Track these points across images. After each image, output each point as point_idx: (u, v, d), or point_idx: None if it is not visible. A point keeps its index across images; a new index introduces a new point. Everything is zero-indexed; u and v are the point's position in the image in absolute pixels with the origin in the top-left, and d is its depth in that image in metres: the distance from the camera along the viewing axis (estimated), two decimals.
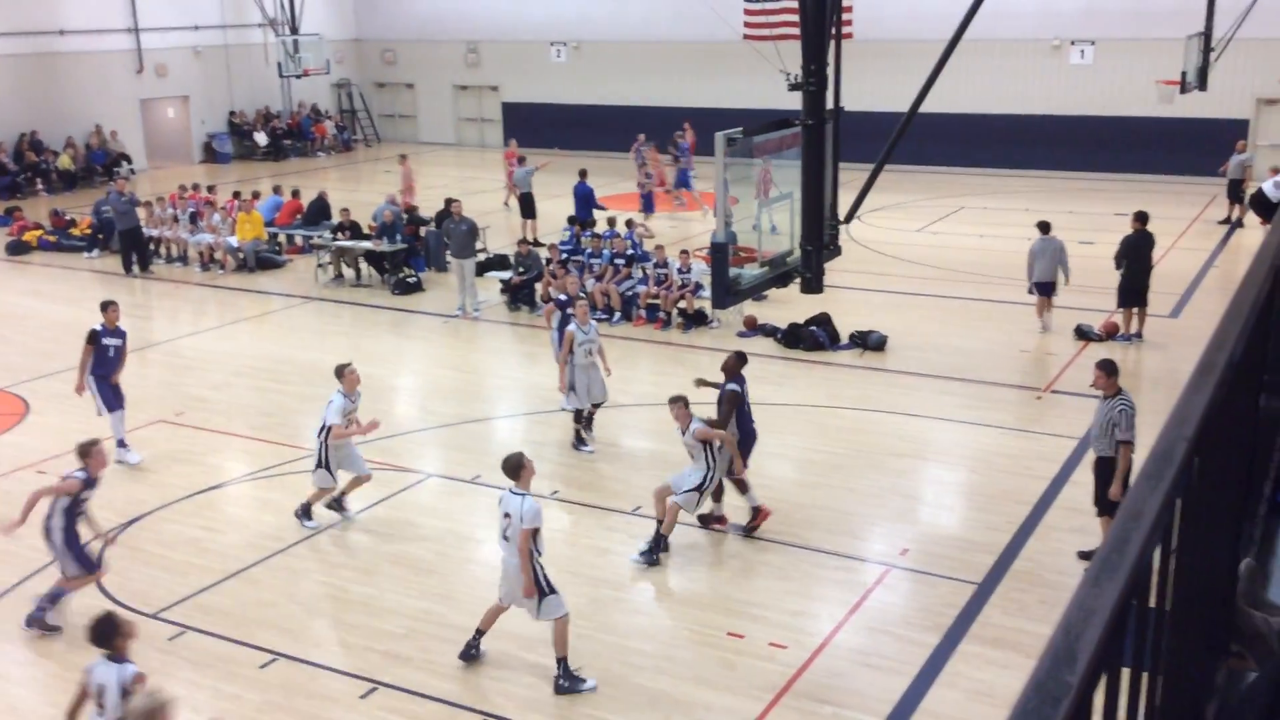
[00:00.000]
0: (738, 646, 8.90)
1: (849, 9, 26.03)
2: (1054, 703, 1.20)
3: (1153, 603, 1.90)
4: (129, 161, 33.55)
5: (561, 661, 8.33)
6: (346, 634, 9.34)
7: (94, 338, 12.69)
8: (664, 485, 10.47)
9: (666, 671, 8.53)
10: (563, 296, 14.10)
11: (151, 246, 22.82)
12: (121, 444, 12.86)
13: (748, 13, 27.59)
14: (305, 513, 11.12)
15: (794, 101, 9.97)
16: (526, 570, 8.16)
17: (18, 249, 24.14)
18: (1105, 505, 9.62)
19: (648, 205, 24.96)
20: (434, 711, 8.23)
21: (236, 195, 23.74)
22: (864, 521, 11.10)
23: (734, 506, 10.87)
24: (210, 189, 24.86)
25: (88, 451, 9.24)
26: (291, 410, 14.67)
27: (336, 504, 11.30)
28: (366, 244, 21.00)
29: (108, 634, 6.83)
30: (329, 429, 10.77)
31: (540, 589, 8.24)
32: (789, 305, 17.01)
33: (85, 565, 9.44)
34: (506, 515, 8.32)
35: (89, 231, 24.21)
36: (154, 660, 8.91)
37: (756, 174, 11.35)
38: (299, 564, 10.53)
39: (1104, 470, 9.62)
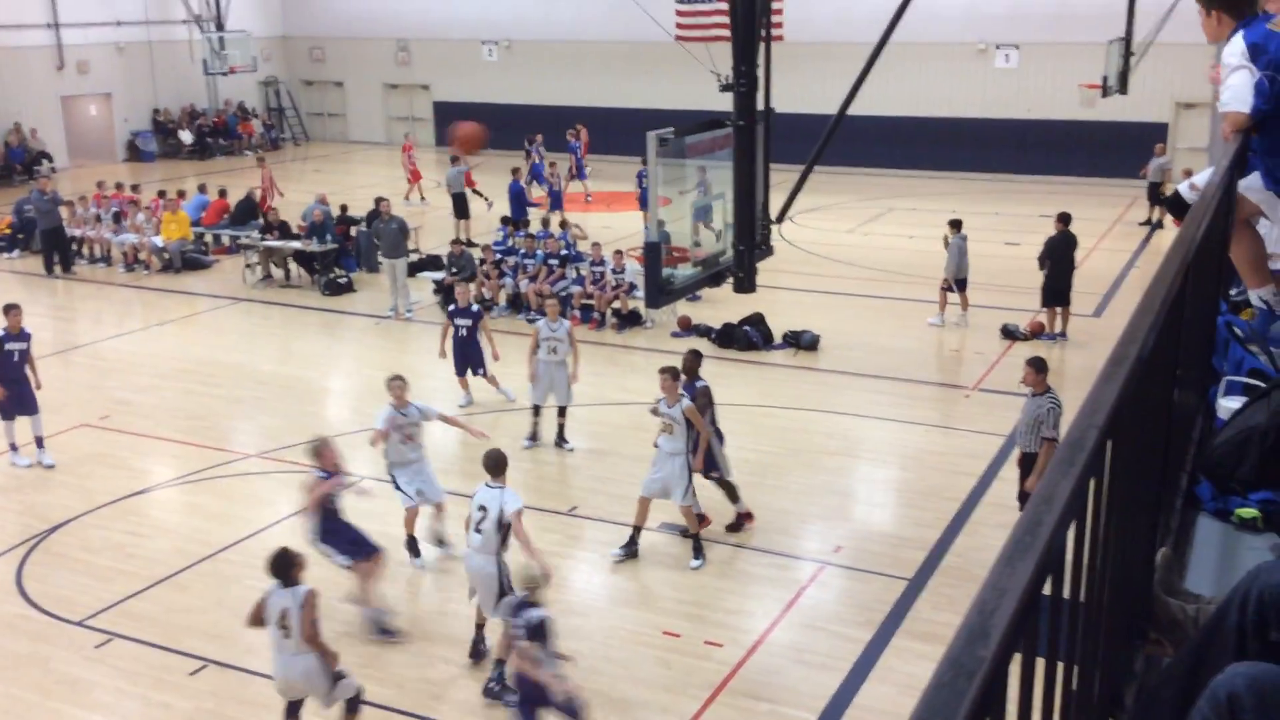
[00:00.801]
0: (674, 645, 8.95)
1: (779, 10, 26.32)
2: (968, 676, 1.25)
3: (1072, 591, 1.97)
4: (50, 160, 32.77)
5: (499, 663, 8.30)
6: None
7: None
8: (647, 493, 10.30)
9: (603, 672, 8.55)
10: (467, 305, 14.17)
11: (74, 247, 22.36)
12: (39, 443, 12.63)
13: (679, 14, 27.75)
14: (412, 546, 10.36)
15: (726, 102, 10.04)
16: (532, 551, 8.17)
17: None
18: (1028, 499, 9.81)
19: (556, 203, 24.84)
20: (371, 715, 8.16)
21: (161, 194, 23.35)
22: (798, 520, 11.21)
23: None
24: (134, 188, 24.36)
25: (320, 452, 9.12)
26: (220, 414, 14.46)
27: (438, 540, 10.53)
28: (296, 244, 20.74)
29: (286, 566, 7.37)
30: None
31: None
32: (722, 305, 17.13)
33: (363, 550, 9.20)
34: (482, 509, 8.35)
35: (9, 231, 23.62)
36: (80, 669, 8.76)
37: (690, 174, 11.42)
38: (228, 569, 10.37)
39: (1029, 465, 9.84)
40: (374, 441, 10.21)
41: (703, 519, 10.54)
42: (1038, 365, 9.92)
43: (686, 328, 17.03)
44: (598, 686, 8.35)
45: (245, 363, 16.57)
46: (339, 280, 20.21)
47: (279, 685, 7.59)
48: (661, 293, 10.85)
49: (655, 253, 10.69)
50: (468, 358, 14.08)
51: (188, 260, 21.94)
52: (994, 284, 17.19)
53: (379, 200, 19.48)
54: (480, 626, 8.77)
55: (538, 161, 26.86)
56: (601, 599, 9.91)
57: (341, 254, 20.95)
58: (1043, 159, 29.80)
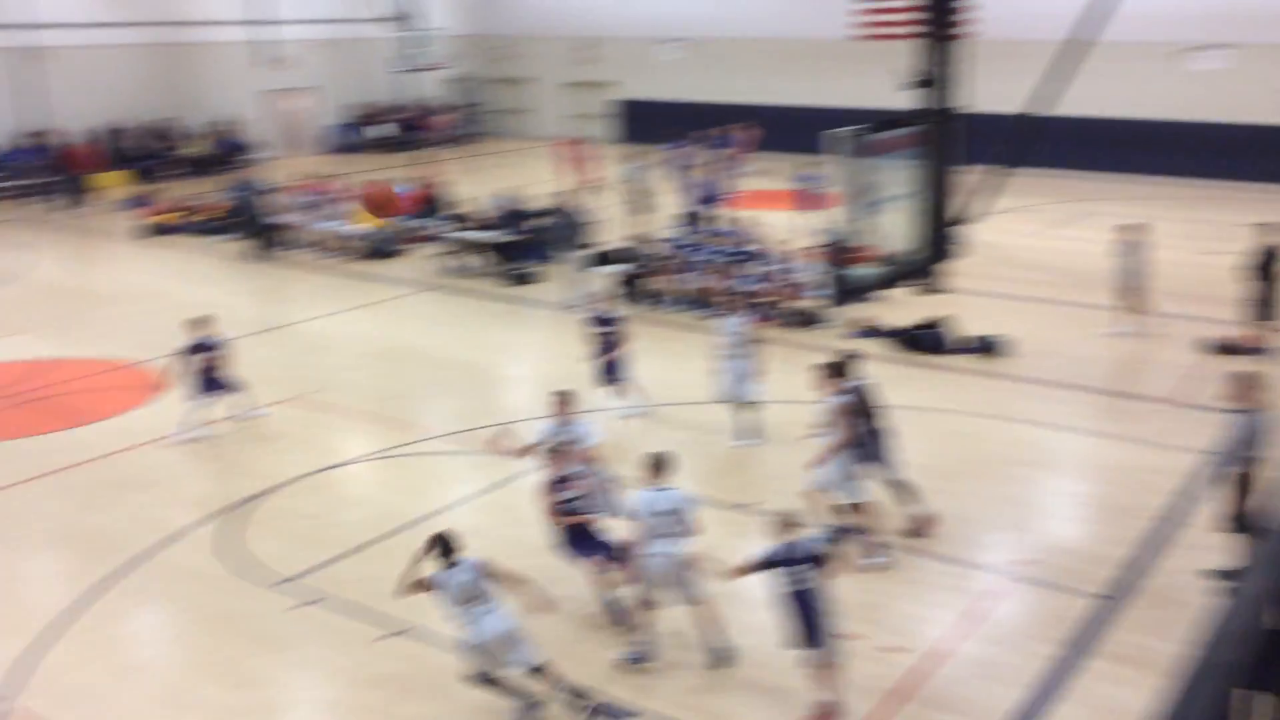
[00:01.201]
0: (847, 646, 8.88)
1: (973, 8, 25.68)
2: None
3: None
4: (260, 149, 34.69)
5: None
6: None
7: (194, 349, 13.19)
8: (813, 488, 10.24)
9: (772, 665, 8.55)
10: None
11: (278, 233, 23.57)
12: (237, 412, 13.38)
13: (864, 12, 27.36)
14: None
15: (902, 101, 9.89)
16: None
17: (155, 230, 25.16)
18: (1235, 522, 9.38)
19: (722, 200, 24.63)
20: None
21: (362, 184, 24.39)
22: (979, 528, 10.97)
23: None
24: (334, 178, 25.55)
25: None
26: (409, 395, 15.07)
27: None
28: (483, 235, 21.39)
29: (452, 546, 7.81)
30: None
31: None
32: (905, 307, 16.86)
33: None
34: (672, 512, 8.33)
35: (219, 217, 25.09)
36: (281, 627, 9.28)
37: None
38: (418, 543, 10.78)
39: (1235, 486, 9.38)
40: (517, 453, 10.12)
41: (855, 514, 10.22)
42: (1245, 381, 9.45)
43: (865, 328, 16.82)
44: (770, 679, 8.38)
45: (433, 347, 17.20)
46: (523, 271, 20.74)
47: (477, 655, 7.84)
48: (844, 292, 10.77)
49: (838, 251, 10.62)
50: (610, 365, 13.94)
51: (381, 248, 22.87)
52: (1189, 294, 16.36)
53: (559, 194, 19.90)
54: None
55: (702, 158, 26.70)
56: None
57: (526, 246, 21.50)
58: (1252, 164, 28.25)
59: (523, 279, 20.59)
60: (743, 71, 35.23)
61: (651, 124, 34.72)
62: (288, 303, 20.36)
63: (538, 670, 7.89)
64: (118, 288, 20.98)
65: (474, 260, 21.66)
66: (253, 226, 22.95)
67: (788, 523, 7.85)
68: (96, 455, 12.86)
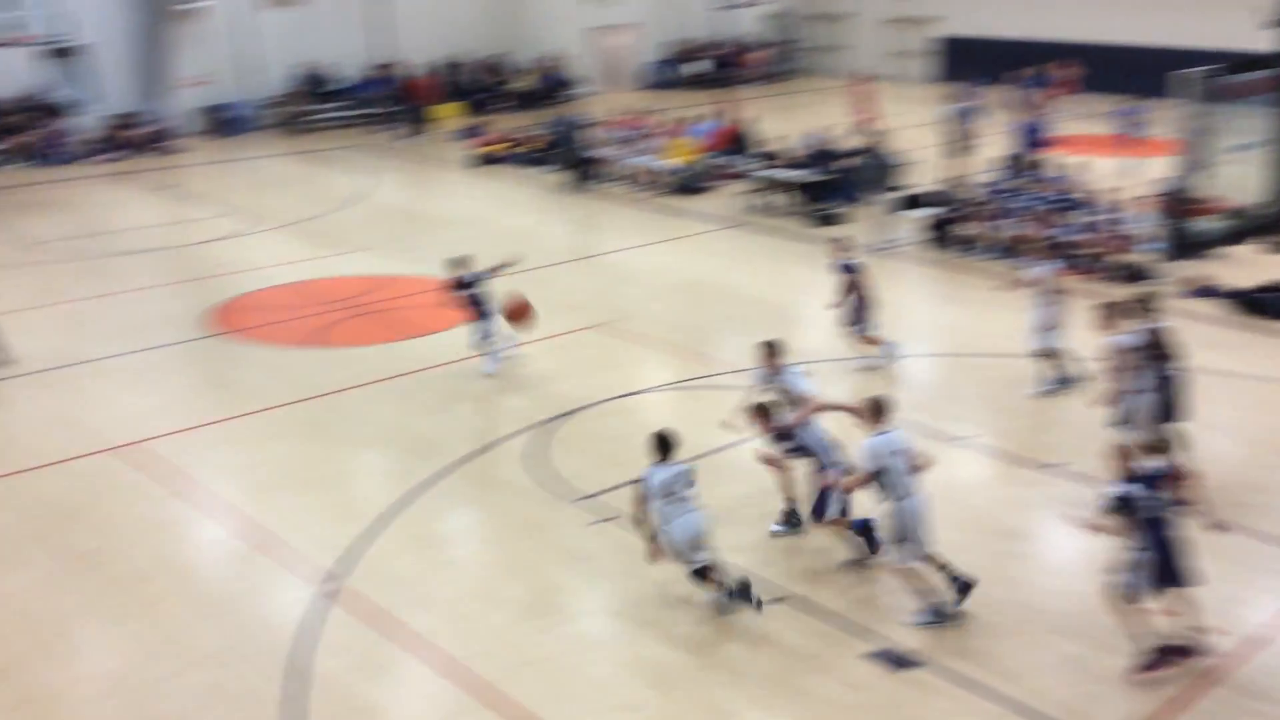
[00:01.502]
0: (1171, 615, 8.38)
1: None
2: None
3: None
4: (581, 84, 35.92)
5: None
6: (761, 541, 9.69)
7: (456, 285, 13.52)
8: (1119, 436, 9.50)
9: (1068, 632, 8.20)
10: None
11: (595, 166, 24.37)
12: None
13: None
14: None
15: (1262, 41, 8.94)
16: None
17: (482, 161, 26.63)
18: None
19: (1035, 143, 23.15)
20: (826, 628, 8.43)
21: (673, 120, 24.81)
22: None
23: None
24: (649, 114, 26.10)
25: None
26: (707, 329, 15.31)
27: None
28: (791, 173, 21.29)
29: (671, 445, 8.51)
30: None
31: None
32: (1252, 266, 15.46)
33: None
34: (903, 451, 8.22)
35: (541, 149, 26.21)
36: (579, 541, 9.74)
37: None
38: (711, 472, 11.02)
39: None
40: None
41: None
42: None
43: (1201, 288, 15.53)
44: (1067, 649, 8.05)
45: (734, 284, 17.35)
46: (830, 212, 20.51)
47: (686, 544, 8.37)
48: (1180, 247, 10.03)
49: (1177, 202, 9.87)
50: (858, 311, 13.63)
51: (690, 184, 23.22)
52: None
53: (868, 135, 19.47)
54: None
55: (1026, 99, 25.26)
56: (1080, 559, 9.44)
57: (833, 186, 21.23)
58: None
59: (828, 219, 20.37)
60: (1072, 6, 33.05)
61: (973, 62, 33.21)
62: (598, 233, 21.07)
63: (707, 571, 8.46)
64: (447, 212, 22.38)
65: (780, 199, 21.61)
66: (571, 159, 23.84)
67: (1133, 453, 7.51)
68: (424, 366, 13.86)
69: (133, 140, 27.87)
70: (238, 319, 15.65)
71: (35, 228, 20.68)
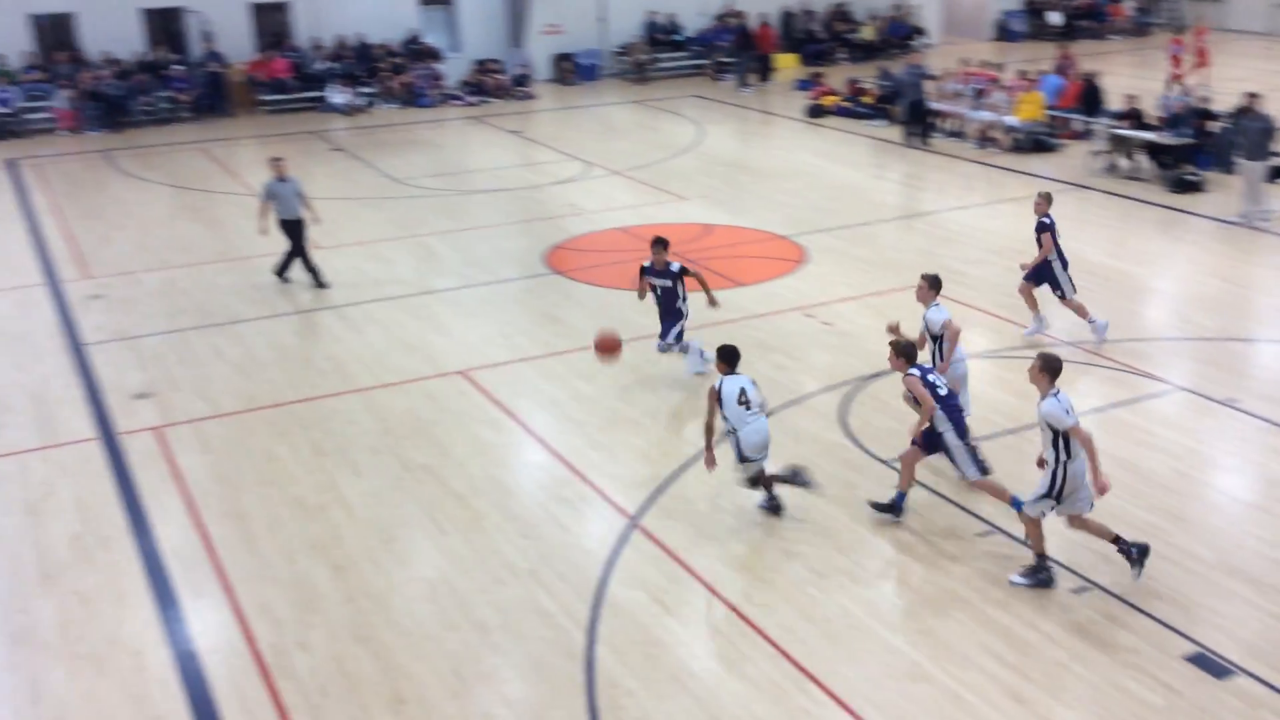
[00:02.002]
0: None
1: None
2: None
3: None
4: (924, 35, 34.77)
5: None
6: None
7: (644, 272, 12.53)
8: None
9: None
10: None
11: (934, 120, 23.61)
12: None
13: None
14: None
15: None
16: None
17: (815, 112, 26.42)
18: None
19: None
20: (1144, 625, 7.96)
21: (1022, 74, 23.59)
22: None
23: None
24: (997, 66, 24.96)
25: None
26: (1041, 296, 14.54)
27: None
28: (1148, 135, 19.78)
29: (735, 357, 9.42)
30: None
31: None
32: None
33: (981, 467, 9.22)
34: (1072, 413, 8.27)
35: (879, 101, 25.68)
36: (872, 501, 9.63)
37: None
38: (1029, 448, 10.59)
39: None
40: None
41: None
42: None
43: None
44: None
45: (1074, 249, 16.32)
46: (1188, 177, 18.92)
47: (757, 452, 9.25)
48: None
49: None
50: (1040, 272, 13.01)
51: (1036, 141, 22.07)
52: None
53: (1249, 96, 17.72)
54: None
55: None
56: None
57: (1196, 150, 19.55)
58: None
59: (1186, 185, 18.81)
60: None
61: None
62: (931, 191, 20.46)
63: (762, 479, 9.43)
64: (778, 163, 22.41)
65: (1133, 161, 20.15)
66: (910, 112, 23.20)
67: None
68: (743, 316, 14.05)
69: (490, 86, 29.63)
70: (570, 259, 16.43)
71: (399, 165, 22.48)
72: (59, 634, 8.20)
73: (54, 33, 27.39)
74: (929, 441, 9.21)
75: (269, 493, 10.12)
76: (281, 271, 15.51)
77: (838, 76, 29.63)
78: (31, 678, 7.74)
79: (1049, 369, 8.36)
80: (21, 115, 25.70)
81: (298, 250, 15.36)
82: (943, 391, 9.17)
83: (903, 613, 8.31)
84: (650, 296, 12.17)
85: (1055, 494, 8.27)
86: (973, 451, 9.18)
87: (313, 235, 15.72)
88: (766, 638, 7.97)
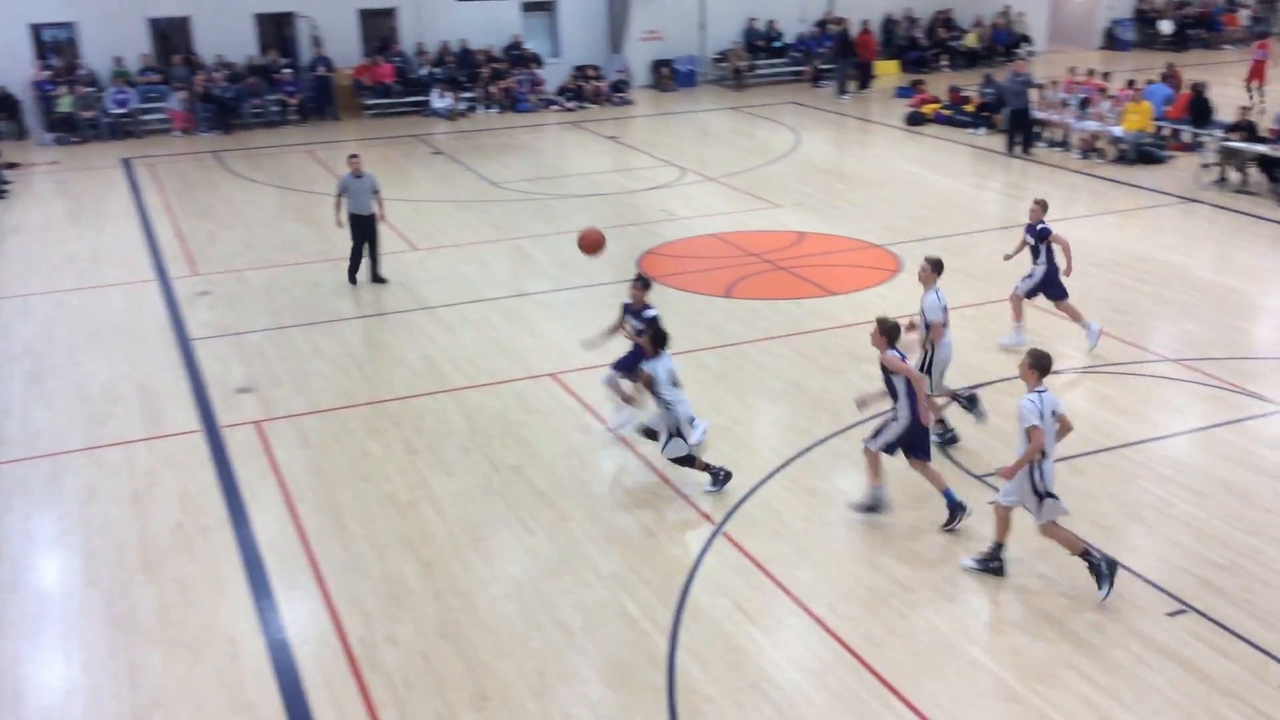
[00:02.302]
0: None
1: None
2: None
3: None
4: (1029, 43, 34.13)
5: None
6: (1164, 549, 9.04)
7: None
8: None
9: None
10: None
11: (1036, 129, 23.17)
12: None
13: None
14: None
15: None
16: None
17: (915, 120, 26.12)
18: None
19: None
20: (1242, 651, 7.72)
21: (1130, 84, 23.04)
22: None
23: None
24: (1104, 75, 24.41)
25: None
26: (1143, 311, 14.25)
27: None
28: (1261, 148, 19.15)
29: (664, 337, 9.98)
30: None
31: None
32: None
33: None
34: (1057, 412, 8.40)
35: (980, 110, 25.27)
36: (970, 519, 9.47)
37: None
38: (1126, 465, 10.36)
39: None
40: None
41: None
42: None
43: None
44: None
45: (1180, 264, 15.98)
46: None
47: (688, 421, 9.88)
48: None
49: None
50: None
51: (1143, 153, 21.53)
52: None
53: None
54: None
55: None
56: None
57: None
58: None
59: None
60: None
61: None
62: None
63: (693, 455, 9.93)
64: (875, 171, 22.20)
65: (1245, 175, 19.53)
66: (1013, 121, 22.80)
67: None
68: (835, 325, 13.95)
69: (588, 91, 29.87)
70: (663, 264, 16.48)
71: (497, 169, 22.79)
72: (158, 620, 8.48)
73: (171, 36, 28.35)
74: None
75: (362, 488, 10.34)
76: (352, 274, 15.82)
77: (939, 84, 29.25)
78: (131, 662, 8.02)
79: (1038, 366, 8.41)
80: (138, 116, 26.64)
81: (365, 244, 15.71)
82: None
83: (991, 630, 8.17)
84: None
85: (1040, 491, 8.32)
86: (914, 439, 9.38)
87: (405, 235, 15.98)
88: (850, 650, 7.91)
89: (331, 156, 24.14)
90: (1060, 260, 13.01)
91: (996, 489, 9.04)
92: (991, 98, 24.90)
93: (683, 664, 7.84)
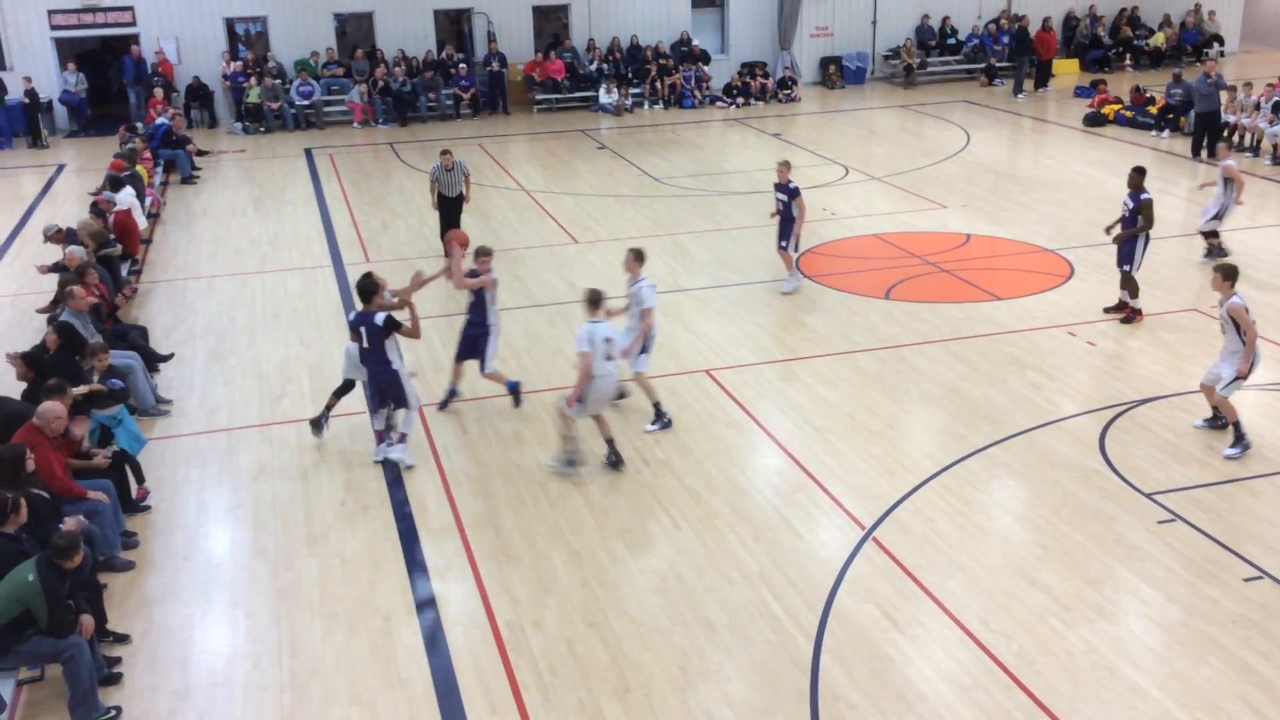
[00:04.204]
0: None
1: None
2: None
3: None
4: (1221, 44, 32.43)
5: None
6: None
7: None
8: None
9: None
10: None
11: (1226, 133, 22.01)
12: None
13: None
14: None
15: None
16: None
17: (1095, 120, 25.13)
18: None
19: None
20: None
21: None
22: None
23: None
24: None
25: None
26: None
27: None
28: None
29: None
30: None
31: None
32: None
33: None
34: (607, 340, 10.10)
35: (1164, 111, 24.14)
36: (1139, 537, 9.09)
37: None
38: None
39: None
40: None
41: None
42: None
43: None
44: None
45: None
46: None
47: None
48: None
49: None
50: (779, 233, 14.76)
51: None
52: None
53: None
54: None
55: None
56: None
57: None
58: None
59: None
60: None
61: None
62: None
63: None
64: (1049, 173, 21.44)
65: None
66: (1200, 124, 21.69)
67: None
68: (998, 330, 13.55)
69: (754, 88, 29.72)
70: (822, 264, 16.28)
71: (659, 165, 22.90)
72: (320, 593, 8.82)
73: (355, 30, 29.44)
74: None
75: (515, 476, 10.53)
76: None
77: (1121, 84, 28.08)
78: (292, 632, 8.37)
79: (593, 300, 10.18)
80: (320, 108, 27.76)
81: (450, 220, 16.77)
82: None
83: (1153, 654, 7.80)
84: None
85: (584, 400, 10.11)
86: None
87: (566, 228, 16.10)
88: (1002, 666, 7.67)
89: (500, 150, 24.68)
90: None
91: None
92: (1178, 99, 23.73)
93: (826, 668, 7.74)
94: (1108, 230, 14.02)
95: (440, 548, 9.40)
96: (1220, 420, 10.69)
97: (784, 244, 14.98)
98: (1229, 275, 10.38)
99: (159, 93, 25.97)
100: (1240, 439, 10.36)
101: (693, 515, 9.73)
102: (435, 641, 8.19)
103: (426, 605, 8.62)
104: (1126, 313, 13.63)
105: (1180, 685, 7.44)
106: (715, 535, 9.40)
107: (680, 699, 7.50)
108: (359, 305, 10.58)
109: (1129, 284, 13.62)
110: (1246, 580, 8.51)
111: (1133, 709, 7.25)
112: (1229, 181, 15.27)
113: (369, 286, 10.49)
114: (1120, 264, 13.63)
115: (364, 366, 10.65)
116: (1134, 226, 13.44)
